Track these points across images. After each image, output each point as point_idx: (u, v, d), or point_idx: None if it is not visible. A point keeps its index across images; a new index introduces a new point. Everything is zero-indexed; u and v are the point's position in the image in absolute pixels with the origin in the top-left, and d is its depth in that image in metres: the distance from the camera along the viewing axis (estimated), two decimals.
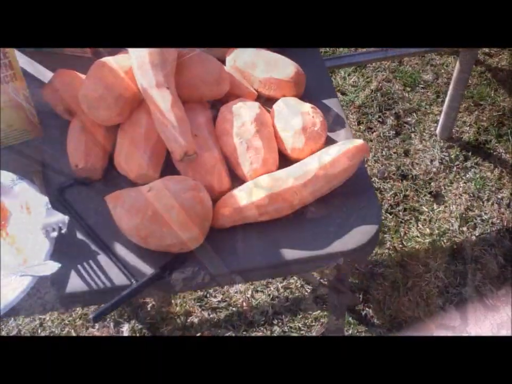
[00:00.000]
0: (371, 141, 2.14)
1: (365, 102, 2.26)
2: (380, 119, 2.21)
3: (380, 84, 2.32)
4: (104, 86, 0.91)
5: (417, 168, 2.08)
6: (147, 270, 0.85)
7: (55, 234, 0.85)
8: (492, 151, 2.13)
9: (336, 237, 0.88)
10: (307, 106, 0.96)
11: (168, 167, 0.94)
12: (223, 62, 1.07)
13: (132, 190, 0.86)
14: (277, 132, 0.96)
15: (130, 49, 0.93)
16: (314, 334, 1.69)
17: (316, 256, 0.87)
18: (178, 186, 0.83)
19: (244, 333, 1.69)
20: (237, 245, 0.88)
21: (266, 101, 1.05)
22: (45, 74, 1.11)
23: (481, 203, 2.00)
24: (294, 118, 0.94)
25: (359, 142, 0.91)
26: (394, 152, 2.12)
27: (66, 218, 0.88)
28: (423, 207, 1.97)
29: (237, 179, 0.94)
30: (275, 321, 1.72)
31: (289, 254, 0.87)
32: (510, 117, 2.24)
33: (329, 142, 0.97)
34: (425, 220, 1.95)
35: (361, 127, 2.18)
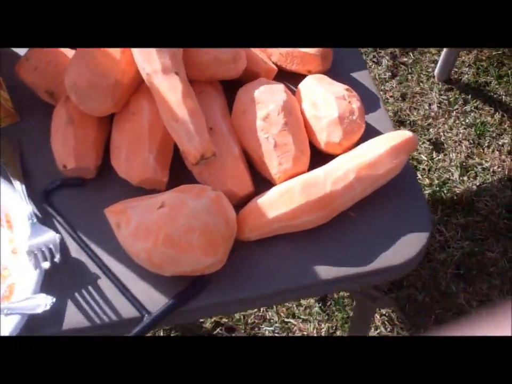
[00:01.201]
0: None
1: None
2: (375, 59, 2.05)
3: None
4: (97, 71, 0.73)
5: (415, 114, 1.95)
6: (160, 298, 0.71)
7: (46, 265, 0.70)
8: (492, 94, 2.01)
9: (381, 249, 0.75)
10: (341, 88, 0.80)
11: (175, 164, 0.79)
12: None
13: (138, 202, 0.70)
14: (306, 120, 0.80)
15: None
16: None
17: (359, 274, 0.73)
18: (198, 202, 0.68)
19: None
20: (265, 262, 0.74)
21: (286, 76, 0.88)
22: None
23: (481, 150, 1.89)
24: (327, 104, 0.78)
25: (407, 135, 0.76)
26: (391, 96, 1.98)
27: (57, 237, 0.72)
28: (422, 156, 1.86)
29: (259, 177, 0.79)
30: None
31: (328, 272, 0.73)
32: (511, 56, 2.10)
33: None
34: (424, 169, 1.84)
35: None
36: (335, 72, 0.88)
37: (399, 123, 1.92)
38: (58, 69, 0.80)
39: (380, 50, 2.07)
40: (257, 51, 0.86)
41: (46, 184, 0.79)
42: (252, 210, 0.73)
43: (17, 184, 0.78)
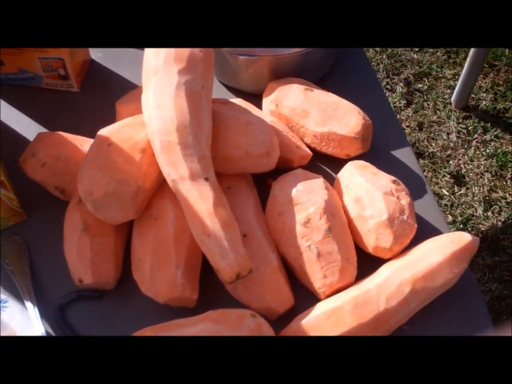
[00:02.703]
0: None
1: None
2: (389, 86, 1.96)
3: None
4: (116, 177, 0.64)
5: (433, 144, 1.86)
6: None
7: None
8: (511, 121, 1.92)
9: None
10: (387, 180, 0.71)
11: (203, 271, 0.70)
12: (256, 95, 0.81)
13: (168, 333, 0.62)
14: (349, 219, 0.71)
15: (146, 119, 0.66)
16: None
17: None
18: (238, 334, 0.59)
19: None
20: None
21: (321, 158, 0.80)
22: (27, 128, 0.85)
23: (504, 182, 1.81)
24: (374, 202, 0.69)
25: (467, 239, 0.67)
26: (408, 126, 1.90)
27: None
28: (443, 190, 1.78)
29: (298, 283, 0.70)
30: None
31: None
32: None
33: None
34: (446, 205, 1.76)
35: None
36: (374, 151, 0.80)
37: (418, 155, 1.84)
38: (68, 164, 0.72)
39: (394, 77, 1.99)
40: (289, 133, 0.77)
41: (60, 297, 0.70)
42: (295, 334, 0.64)
43: (27, 298, 0.69)
